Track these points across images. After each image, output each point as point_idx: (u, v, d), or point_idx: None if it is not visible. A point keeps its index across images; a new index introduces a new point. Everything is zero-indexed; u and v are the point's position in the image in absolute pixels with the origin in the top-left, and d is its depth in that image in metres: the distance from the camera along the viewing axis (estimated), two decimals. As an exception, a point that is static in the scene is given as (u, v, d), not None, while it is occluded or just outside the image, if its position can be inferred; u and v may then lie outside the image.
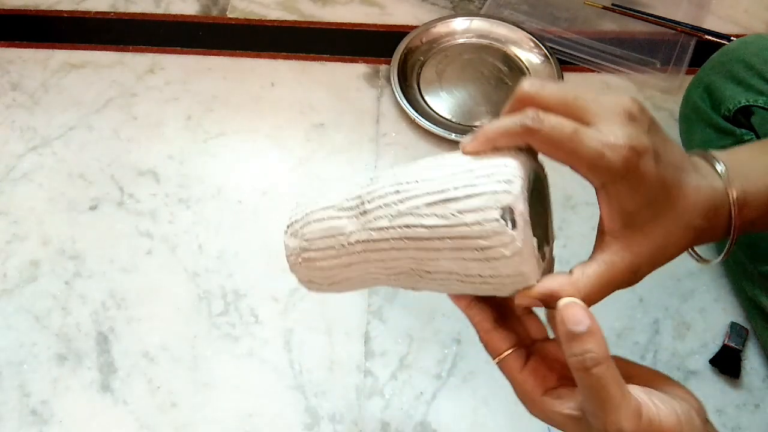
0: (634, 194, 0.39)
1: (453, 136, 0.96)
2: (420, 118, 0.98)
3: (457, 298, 0.45)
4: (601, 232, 0.41)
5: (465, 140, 0.41)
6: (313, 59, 1.07)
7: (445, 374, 0.81)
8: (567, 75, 1.03)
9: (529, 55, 1.06)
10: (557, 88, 0.41)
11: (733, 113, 0.76)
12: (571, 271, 0.41)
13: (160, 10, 1.12)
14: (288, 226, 0.46)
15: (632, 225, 0.40)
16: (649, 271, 0.42)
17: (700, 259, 0.49)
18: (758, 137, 0.74)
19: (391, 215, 0.41)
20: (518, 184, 0.38)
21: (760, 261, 0.75)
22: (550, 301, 0.40)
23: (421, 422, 0.78)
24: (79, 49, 1.07)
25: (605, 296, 0.40)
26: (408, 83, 1.03)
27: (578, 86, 0.43)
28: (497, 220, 0.38)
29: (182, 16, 1.12)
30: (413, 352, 0.82)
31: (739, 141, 0.76)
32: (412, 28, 1.07)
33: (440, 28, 1.07)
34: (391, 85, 1.01)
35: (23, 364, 0.81)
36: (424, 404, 0.79)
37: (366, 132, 0.99)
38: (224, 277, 0.87)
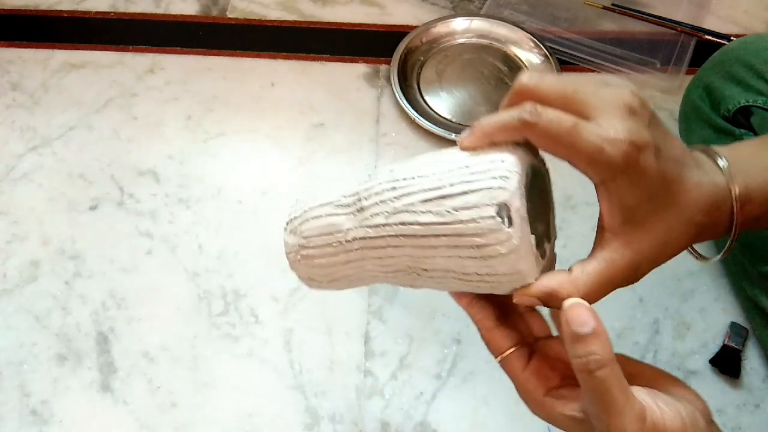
0: (634, 190, 0.39)
1: (453, 136, 0.96)
2: (420, 118, 0.98)
3: (458, 296, 0.45)
4: (600, 229, 0.41)
5: (462, 135, 0.41)
6: (313, 59, 1.07)
7: (445, 374, 0.81)
8: (567, 75, 1.03)
9: (529, 55, 1.06)
10: (556, 81, 0.40)
11: (732, 113, 0.76)
12: (570, 269, 0.40)
13: (160, 10, 1.12)
14: (287, 223, 0.46)
15: (633, 221, 0.40)
16: (650, 269, 0.41)
17: (699, 256, 0.49)
18: None
19: (388, 212, 0.40)
20: (515, 180, 0.38)
21: (759, 261, 0.75)
22: (549, 300, 0.39)
23: (421, 422, 0.78)
24: (79, 49, 1.07)
25: (605, 294, 0.40)
26: (408, 83, 1.03)
27: (578, 79, 0.42)
28: (493, 217, 0.37)
29: (182, 16, 1.12)
30: (413, 352, 0.82)
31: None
32: (412, 28, 1.07)
33: (440, 28, 1.07)
34: (391, 85, 1.01)
35: (23, 364, 0.81)
36: (424, 404, 0.79)
37: (366, 132, 0.99)
38: (224, 277, 0.87)
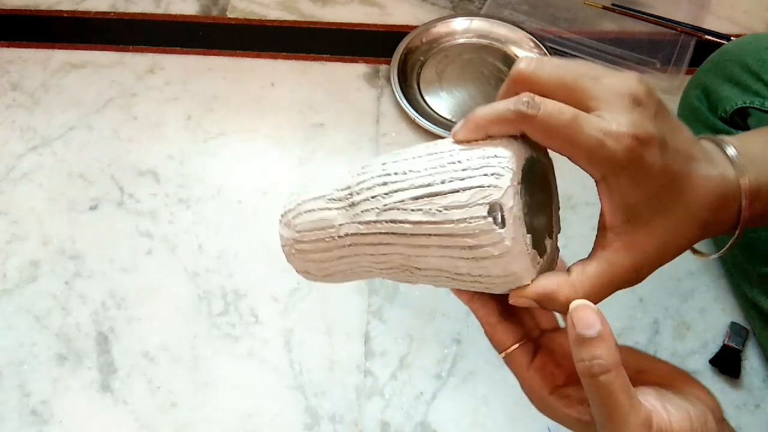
0: (637, 187, 0.36)
1: (453, 136, 0.96)
2: (420, 118, 0.98)
3: (458, 291, 0.42)
4: (601, 228, 0.38)
5: (456, 127, 0.38)
6: (313, 59, 1.07)
7: (445, 374, 0.81)
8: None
9: (529, 55, 1.05)
10: (556, 68, 0.37)
11: (729, 115, 0.75)
12: (569, 270, 0.38)
13: (160, 10, 1.12)
14: (282, 216, 0.45)
15: (635, 220, 0.37)
16: (652, 270, 0.39)
17: (697, 253, 0.46)
18: None
19: (378, 209, 0.39)
20: (508, 178, 0.36)
21: (758, 262, 0.75)
22: (545, 302, 0.37)
23: (421, 422, 0.78)
24: (79, 49, 1.07)
25: (605, 297, 0.38)
26: (408, 83, 1.03)
27: (581, 64, 0.39)
28: (484, 217, 0.35)
29: (182, 16, 1.12)
30: (413, 352, 0.82)
31: None
32: (412, 28, 1.07)
33: (440, 28, 1.07)
34: (391, 85, 1.01)
35: (23, 364, 0.81)
36: (424, 404, 0.79)
37: (366, 132, 0.99)
38: (224, 277, 0.87)
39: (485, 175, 0.36)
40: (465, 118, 0.38)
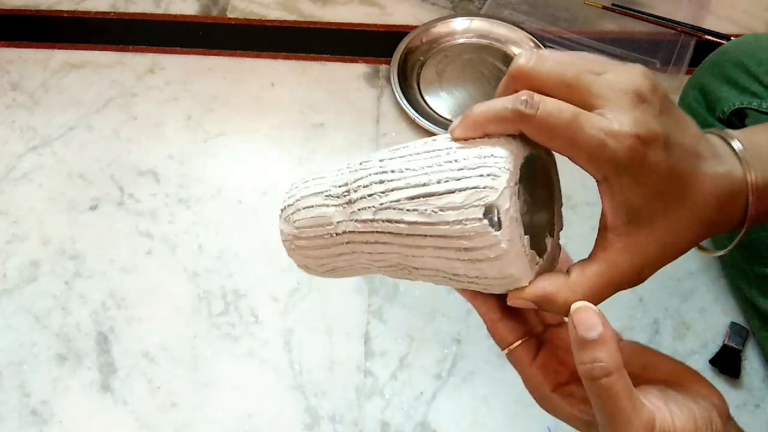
0: (639, 187, 0.35)
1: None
2: (420, 118, 0.98)
3: (459, 288, 0.42)
4: (602, 228, 0.37)
5: (454, 123, 0.37)
6: (313, 59, 1.07)
7: (445, 374, 0.81)
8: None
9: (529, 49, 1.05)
10: (556, 64, 0.36)
11: (727, 116, 0.75)
12: (568, 271, 0.37)
13: (160, 10, 1.12)
14: (281, 210, 0.45)
15: (638, 221, 0.36)
16: (654, 271, 0.38)
17: (702, 249, 0.44)
18: None
19: (375, 208, 0.38)
20: (504, 179, 0.35)
21: (756, 262, 0.75)
22: (544, 304, 0.37)
23: (421, 422, 0.78)
24: (79, 49, 1.07)
25: (605, 299, 0.37)
26: (408, 83, 1.03)
27: (583, 56, 0.37)
28: (480, 219, 0.35)
29: (182, 16, 1.12)
30: (413, 352, 0.82)
31: None
32: (412, 28, 1.07)
33: (440, 28, 1.07)
34: (391, 85, 1.01)
35: (23, 364, 0.81)
36: (424, 404, 0.79)
37: (366, 132, 0.99)
38: (224, 277, 0.87)
39: (481, 175, 0.35)
40: (463, 114, 0.37)
